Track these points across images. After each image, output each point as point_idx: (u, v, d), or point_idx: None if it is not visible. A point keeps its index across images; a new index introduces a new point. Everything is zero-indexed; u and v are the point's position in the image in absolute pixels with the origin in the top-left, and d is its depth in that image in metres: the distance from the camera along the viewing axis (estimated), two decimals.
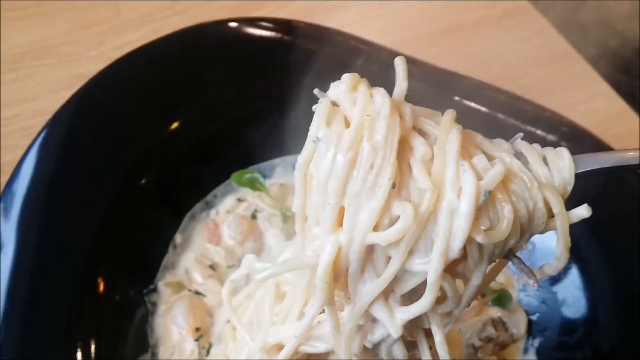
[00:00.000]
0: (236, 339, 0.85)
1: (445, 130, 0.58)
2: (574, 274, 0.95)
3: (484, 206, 0.57)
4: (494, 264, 0.65)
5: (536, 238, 0.85)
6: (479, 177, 0.57)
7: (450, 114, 0.61)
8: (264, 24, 1.11)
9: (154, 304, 0.94)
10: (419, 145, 0.57)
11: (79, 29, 1.29)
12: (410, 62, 1.07)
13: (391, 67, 0.62)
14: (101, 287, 0.88)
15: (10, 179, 0.89)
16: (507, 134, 0.67)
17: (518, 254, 0.64)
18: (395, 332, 0.62)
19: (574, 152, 0.65)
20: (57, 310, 0.83)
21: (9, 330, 0.79)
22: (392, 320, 0.62)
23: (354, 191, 0.57)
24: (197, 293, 0.95)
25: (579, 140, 1.02)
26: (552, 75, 1.33)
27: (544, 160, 0.62)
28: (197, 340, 0.91)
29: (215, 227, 1.02)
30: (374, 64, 1.05)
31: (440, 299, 0.63)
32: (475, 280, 0.62)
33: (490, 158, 0.60)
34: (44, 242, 0.86)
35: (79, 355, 0.82)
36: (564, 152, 0.62)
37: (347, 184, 0.57)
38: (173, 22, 1.31)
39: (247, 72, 1.06)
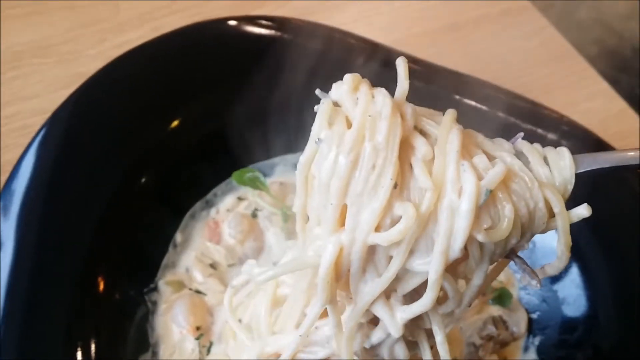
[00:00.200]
0: (237, 337, 0.85)
1: (445, 130, 0.59)
2: (575, 272, 0.95)
3: (485, 205, 0.57)
4: (495, 264, 0.65)
5: (537, 237, 0.85)
6: (480, 177, 0.57)
7: (450, 114, 0.61)
8: (264, 22, 1.11)
9: (155, 303, 0.94)
10: (420, 145, 0.58)
11: (79, 28, 1.29)
12: (410, 60, 1.08)
13: (391, 66, 0.62)
14: (101, 287, 0.88)
15: (9, 177, 0.88)
16: (507, 132, 0.67)
17: (520, 253, 0.64)
18: (396, 331, 0.62)
19: (574, 150, 0.65)
20: (57, 310, 0.83)
21: (8, 330, 0.79)
22: (393, 320, 0.62)
23: (356, 191, 0.57)
24: (198, 292, 0.95)
25: (579, 139, 1.02)
26: (552, 74, 1.33)
27: (545, 160, 0.62)
28: (197, 339, 0.91)
29: (215, 225, 1.02)
30: (373, 62, 1.05)
31: (442, 299, 0.63)
32: (477, 280, 0.62)
33: (491, 158, 0.60)
34: (44, 241, 0.86)
35: (79, 354, 0.82)
36: (564, 152, 0.62)
37: (349, 184, 0.57)
38: (172, 20, 1.31)
39: (246, 71, 1.05)
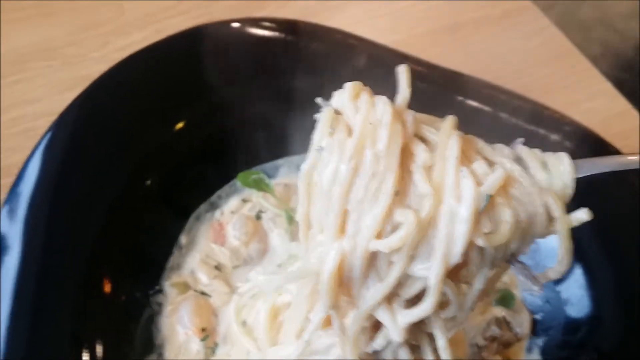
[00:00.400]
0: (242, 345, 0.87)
1: (445, 136, 0.59)
2: (578, 273, 0.95)
3: (485, 211, 0.58)
4: (497, 269, 0.65)
5: (540, 240, 0.85)
6: (479, 183, 0.58)
7: (450, 120, 0.61)
8: (267, 24, 1.11)
9: (160, 305, 0.95)
10: (420, 152, 0.59)
11: (83, 30, 1.30)
12: (412, 61, 1.10)
13: (393, 67, 0.63)
14: (107, 288, 0.88)
15: (15, 181, 0.89)
16: (509, 133, 0.67)
17: (521, 259, 0.65)
18: (398, 335, 0.63)
19: (576, 151, 0.66)
20: (64, 312, 0.83)
21: (16, 332, 0.79)
22: (395, 324, 0.63)
23: (357, 198, 0.58)
24: (203, 293, 0.96)
25: (581, 139, 1.02)
26: (553, 74, 1.33)
27: (544, 165, 0.63)
28: (203, 340, 0.91)
29: (220, 227, 1.02)
30: (376, 63, 1.05)
31: (444, 304, 0.63)
32: (478, 284, 0.62)
33: (491, 164, 0.61)
34: (50, 244, 0.86)
35: (85, 356, 0.82)
36: (564, 157, 0.63)
37: (350, 191, 0.58)
38: (176, 22, 1.31)
39: (249, 72, 1.06)
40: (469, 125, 0.66)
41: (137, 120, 0.98)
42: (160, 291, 0.96)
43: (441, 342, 0.64)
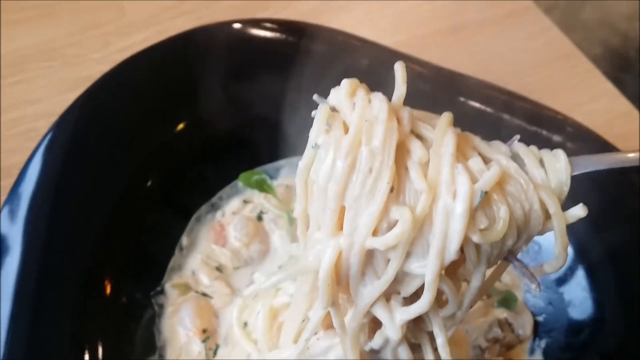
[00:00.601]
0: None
1: (440, 133, 0.60)
2: (580, 275, 0.95)
3: (480, 207, 0.58)
4: (495, 266, 0.65)
5: (542, 239, 0.85)
6: (474, 179, 0.58)
7: (446, 117, 0.61)
8: (269, 25, 1.11)
9: (161, 306, 0.94)
10: (416, 148, 0.59)
11: (84, 31, 1.30)
12: (415, 62, 1.09)
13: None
14: (108, 290, 0.88)
15: (16, 181, 0.89)
16: (510, 134, 0.67)
17: (525, 255, 0.64)
18: (395, 333, 0.63)
19: (577, 152, 0.66)
20: (64, 313, 0.83)
21: (16, 333, 0.79)
22: (392, 322, 0.63)
23: (354, 195, 0.58)
24: (204, 295, 0.96)
25: (584, 140, 1.02)
26: (556, 75, 1.33)
27: (541, 162, 0.63)
28: (204, 341, 0.91)
29: (221, 228, 1.02)
30: (378, 65, 1.05)
31: (442, 303, 0.64)
32: (476, 282, 0.63)
33: (487, 160, 0.61)
34: (51, 245, 0.86)
35: (86, 357, 0.82)
36: (560, 154, 0.63)
37: (346, 188, 0.58)
38: (177, 23, 1.31)
39: (251, 74, 1.06)
40: (470, 126, 0.66)
41: (138, 120, 0.98)
42: (162, 292, 0.96)
43: (440, 340, 0.64)
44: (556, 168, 0.62)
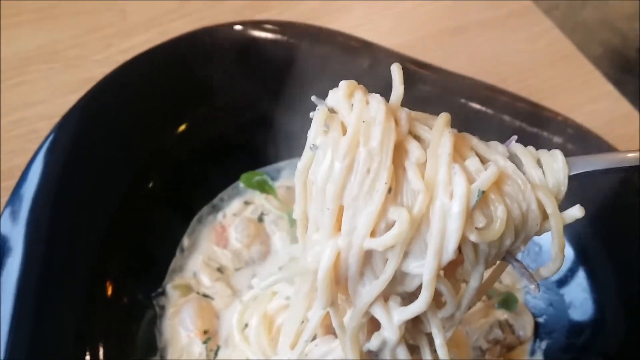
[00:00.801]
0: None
1: (437, 133, 0.60)
2: (581, 276, 0.95)
3: (478, 207, 0.58)
4: (494, 267, 0.65)
5: (543, 240, 0.85)
6: (472, 179, 0.58)
7: (443, 117, 0.62)
8: (269, 26, 1.11)
9: (162, 307, 0.95)
10: (413, 149, 0.59)
11: (86, 33, 1.30)
12: (415, 64, 1.09)
13: None
14: (109, 291, 0.88)
15: (18, 183, 0.89)
16: (511, 135, 0.67)
17: (526, 257, 0.65)
18: (393, 333, 0.63)
19: (578, 153, 0.66)
20: (66, 314, 0.83)
21: (17, 334, 0.79)
22: (390, 322, 0.63)
23: (352, 195, 0.58)
24: (205, 296, 0.96)
25: (585, 141, 1.02)
26: (557, 76, 1.33)
27: (538, 162, 0.63)
28: (205, 342, 0.91)
29: (222, 230, 1.02)
30: (379, 66, 1.05)
31: (441, 304, 0.64)
32: (474, 282, 0.63)
33: (484, 161, 0.61)
34: (52, 246, 0.86)
35: (87, 358, 0.82)
36: (557, 155, 0.63)
37: (344, 189, 0.58)
38: (179, 25, 1.31)
39: (251, 75, 1.06)
40: (471, 127, 0.66)
41: (139, 122, 0.98)
42: (163, 293, 0.96)
43: (438, 340, 0.64)
44: (554, 168, 0.62)
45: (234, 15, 1.30)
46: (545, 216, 0.60)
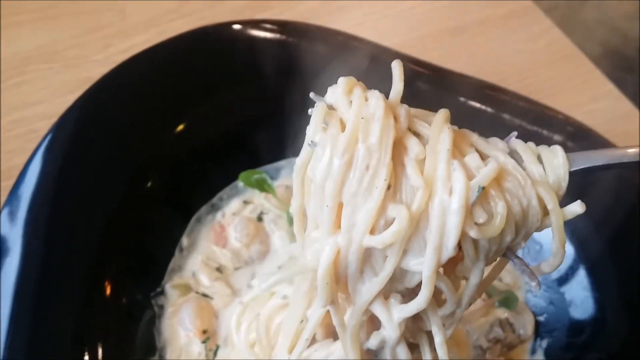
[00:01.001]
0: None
1: (437, 129, 0.59)
2: (581, 274, 0.95)
3: (478, 203, 0.57)
4: (494, 263, 0.65)
5: (543, 239, 0.85)
6: (471, 176, 0.58)
7: (442, 113, 0.61)
8: (268, 26, 1.11)
9: (161, 307, 0.94)
10: (412, 145, 0.59)
11: (85, 33, 1.30)
12: (415, 63, 1.09)
13: None
14: (108, 291, 0.88)
15: (15, 183, 0.89)
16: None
17: (526, 255, 0.64)
18: (393, 330, 0.63)
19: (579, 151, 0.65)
20: (64, 315, 0.83)
21: (16, 335, 0.79)
22: (390, 319, 0.63)
23: (351, 192, 0.58)
24: (205, 295, 0.96)
25: (585, 140, 1.02)
26: (557, 75, 1.33)
27: (539, 158, 0.63)
28: (204, 342, 0.91)
29: (221, 229, 1.02)
30: (379, 65, 1.04)
31: (441, 302, 0.64)
32: (474, 279, 0.62)
33: (484, 157, 0.61)
34: (50, 246, 0.86)
35: (86, 358, 0.82)
36: (558, 150, 0.63)
37: (343, 186, 0.58)
38: (178, 25, 1.31)
39: (250, 75, 1.06)
40: (471, 126, 0.66)
41: (138, 121, 0.98)
42: (162, 293, 0.96)
43: (438, 338, 0.64)
44: (554, 164, 0.62)
45: (234, 15, 1.29)
46: (545, 212, 0.60)
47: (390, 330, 0.63)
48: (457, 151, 0.59)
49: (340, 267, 0.60)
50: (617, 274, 0.93)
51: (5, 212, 0.86)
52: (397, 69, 0.61)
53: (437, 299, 0.63)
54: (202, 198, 1.05)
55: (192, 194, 1.03)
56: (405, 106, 0.60)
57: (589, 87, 1.31)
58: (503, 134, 0.67)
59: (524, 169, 0.60)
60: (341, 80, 0.61)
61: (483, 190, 0.57)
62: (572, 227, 0.92)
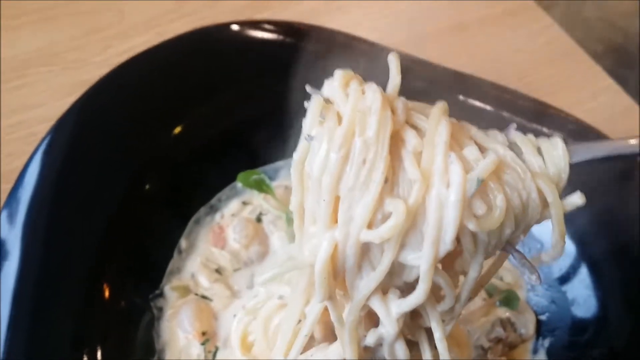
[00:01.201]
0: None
1: (434, 122, 0.59)
2: (584, 272, 0.94)
3: (476, 196, 0.57)
4: (494, 257, 0.64)
5: (544, 237, 0.84)
6: (470, 168, 0.57)
7: (439, 106, 0.61)
8: (267, 26, 1.11)
9: (160, 309, 0.94)
10: (410, 138, 0.58)
11: (84, 35, 1.30)
12: (415, 62, 1.09)
13: None
14: (107, 293, 0.88)
15: (14, 185, 0.89)
16: None
17: (526, 253, 0.64)
18: (391, 326, 0.63)
19: None
20: (63, 317, 0.83)
21: (15, 337, 0.79)
22: (388, 314, 0.62)
23: (348, 186, 0.57)
24: (204, 297, 0.95)
25: (586, 137, 1.01)
26: (557, 72, 1.32)
27: (539, 150, 0.62)
28: (203, 344, 0.91)
29: (220, 230, 1.01)
30: (378, 64, 1.04)
31: (440, 297, 0.63)
32: (473, 273, 0.62)
33: (483, 149, 0.60)
34: (49, 249, 0.86)
35: None
36: (558, 142, 0.63)
37: (340, 180, 0.57)
38: (177, 26, 1.31)
39: (249, 75, 1.06)
40: (471, 124, 0.65)
41: (136, 123, 0.98)
42: (161, 295, 0.95)
43: (438, 334, 0.63)
44: (554, 156, 0.61)
45: (233, 15, 1.29)
46: (545, 204, 0.60)
47: (388, 325, 0.62)
48: (455, 144, 0.59)
49: (338, 261, 0.60)
50: (619, 273, 0.93)
51: (4, 214, 0.86)
52: (393, 62, 0.61)
53: (436, 295, 0.62)
54: (200, 199, 1.04)
55: (191, 195, 1.03)
56: (402, 99, 0.60)
57: (590, 85, 1.31)
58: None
59: (524, 162, 0.60)
60: (338, 73, 0.60)
61: (482, 183, 0.56)
62: (573, 226, 0.92)
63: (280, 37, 1.10)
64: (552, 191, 0.59)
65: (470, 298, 0.64)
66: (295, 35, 1.09)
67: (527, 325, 0.95)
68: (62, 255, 0.86)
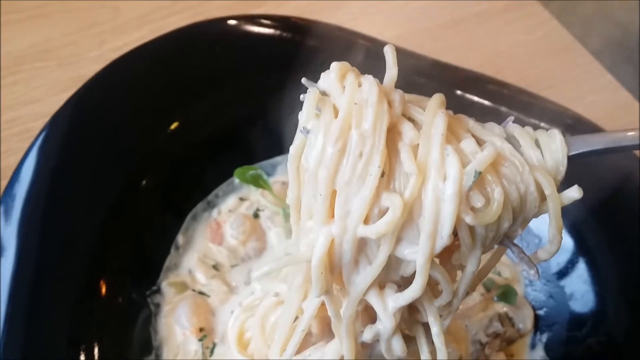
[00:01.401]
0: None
1: (431, 114, 0.58)
2: (582, 267, 0.94)
3: (474, 189, 0.56)
4: (492, 251, 0.64)
5: (542, 233, 0.84)
6: (467, 161, 0.57)
7: (436, 98, 0.60)
8: (264, 21, 1.10)
9: (157, 305, 0.94)
10: (407, 130, 0.58)
11: (79, 31, 1.29)
12: (412, 56, 1.08)
13: None
14: (103, 290, 0.87)
15: (9, 181, 0.88)
16: None
17: (525, 249, 0.63)
18: (388, 320, 0.62)
19: None
20: (60, 314, 0.83)
21: (11, 334, 0.79)
22: (385, 309, 0.62)
23: (344, 179, 0.57)
24: (201, 293, 0.95)
25: (584, 132, 1.01)
26: (556, 67, 1.32)
27: (537, 143, 0.62)
28: (200, 340, 0.90)
29: (217, 226, 1.01)
30: (375, 59, 1.04)
31: (437, 292, 0.63)
32: (471, 266, 0.61)
33: (481, 142, 0.59)
34: (45, 245, 0.85)
35: (82, 358, 0.82)
36: (556, 134, 0.62)
37: (336, 173, 0.57)
38: (173, 21, 1.30)
39: (246, 70, 1.05)
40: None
41: (132, 119, 0.98)
42: (158, 291, 0.95)
43: (435, 329, 0.63)
44: (552, 148, 0.60)
45: (229, 11, 1.28)
46: (543, 198, 0.59)
47: (385, 320, 0.62)
48: (452, 136, 0.58)
49: (335, 256, 0.59)
50: (617, 267, 0.93)
51: (0, 210, 0.85)
52: (389, 53, 0.60)
53: (433, 289, 0.62)
54: (197, 195, 1.04)
55: (188, 191, 1.02)
56: (399, 91, 0.59)
57: (588, 79, 1.30)
58: None
59: (522, 154, 0.59)
60: (334, 65, 0.60)
61: (479, 176, 0.56)
62: (571, 220, 0.92)
63: (278, 32, 1.09)
64: (550, 184, 0.58)
65: (468, 293, 0.63)
66: (293, 30, 1.09)
67: (525, 320, 0.95)
68: (59, 252, 0.86)
